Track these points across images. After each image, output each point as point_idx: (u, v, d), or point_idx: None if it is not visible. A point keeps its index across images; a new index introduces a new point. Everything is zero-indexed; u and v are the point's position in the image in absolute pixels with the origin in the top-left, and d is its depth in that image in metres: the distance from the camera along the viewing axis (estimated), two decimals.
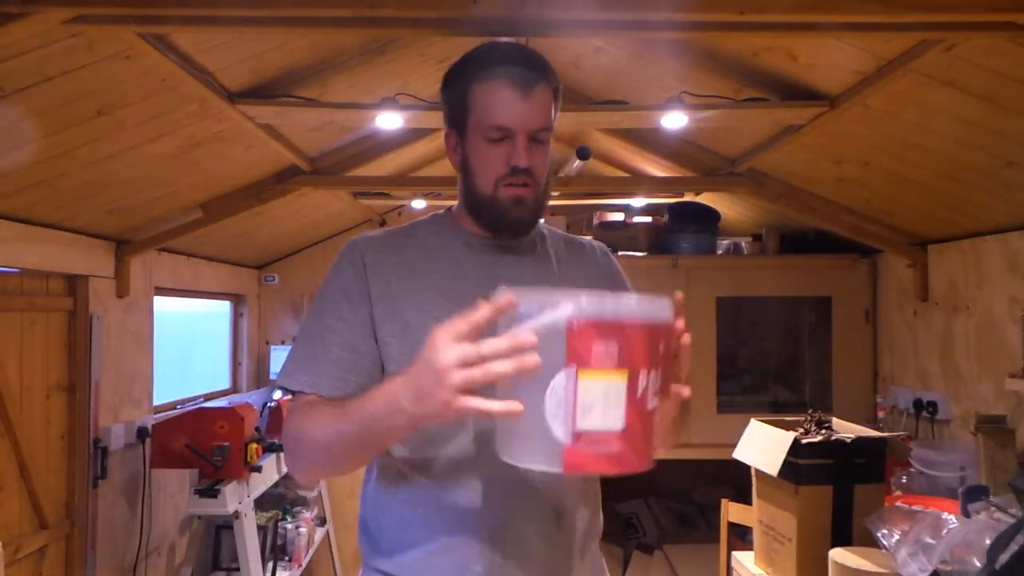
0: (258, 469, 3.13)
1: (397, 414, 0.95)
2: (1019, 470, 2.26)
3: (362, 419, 1.01)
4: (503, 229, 1.21)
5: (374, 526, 1.22)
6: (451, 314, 1.15)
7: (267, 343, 4.54)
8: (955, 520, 1.70)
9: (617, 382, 0.89)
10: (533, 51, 1.22)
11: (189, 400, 3.69)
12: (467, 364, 0.86)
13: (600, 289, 1.30)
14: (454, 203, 1.30)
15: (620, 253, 3.44)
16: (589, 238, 1.41)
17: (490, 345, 0.86)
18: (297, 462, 1.17)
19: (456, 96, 1.20)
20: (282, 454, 1.19)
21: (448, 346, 0.88)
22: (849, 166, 2.63)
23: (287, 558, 3.68)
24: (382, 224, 4.57)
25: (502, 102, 1.14)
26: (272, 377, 4.40)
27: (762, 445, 2.13)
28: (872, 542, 1.83)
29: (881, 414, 3.22)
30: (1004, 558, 1.47)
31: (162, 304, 3.35)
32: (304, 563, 3.77)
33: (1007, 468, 2.28)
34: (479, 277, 1.21)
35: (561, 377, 0.87)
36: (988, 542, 1.54)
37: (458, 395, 0.87)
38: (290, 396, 1.20)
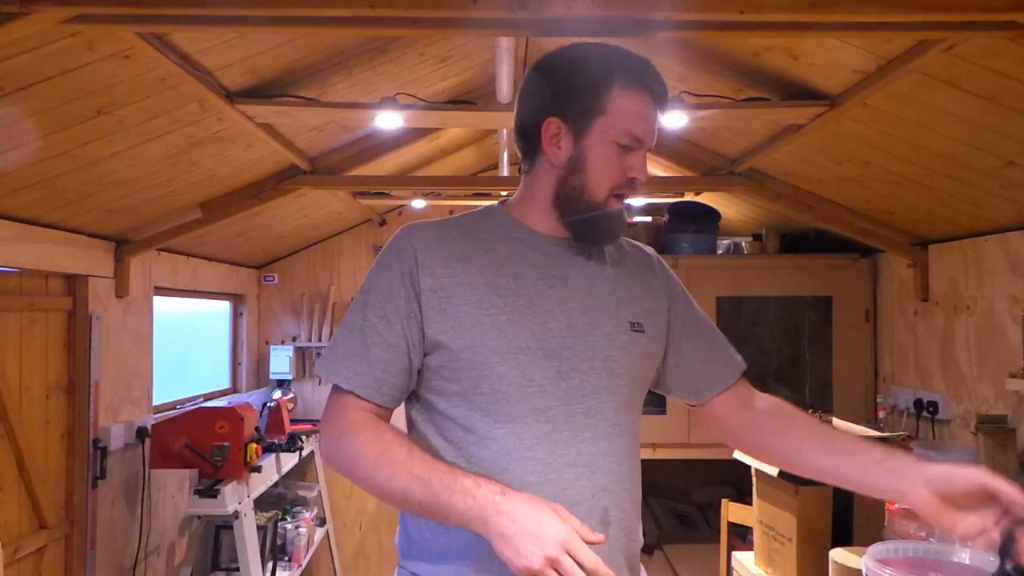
0: (258, 469, 3.12)
1: (480, 525, 0.99)
2: (1020, 470, 2.26)
3: (442, 503, 1.02)
4: (599, 238, 1.22)
5: (414, 526, 1.19)
6: (505, 312, 1.14)
7: (267, 343, 4.53)
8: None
9: None
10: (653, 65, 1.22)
11: (189, 400, 3.68)
12: (553, 565, 0.94)
13: (650, 293, 1.29)
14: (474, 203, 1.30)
15: None
16: (647, 246, 1.38)
17: (568, 566, 0.94)
18: (338, 466, 1.14)
19: (589, 89, 1.15)
20: (317, 442, 1.18)
21: (560, 536, 0.95)
22: (849, 166, 2.63)
23: (287, 558, 3.68)
24: (382, 224, 4.57)
25: (646, 115, 1.16)
26: (272, 377, 4.40)
27: None
28: (872, 542, 1.83)
29: (882, 414, 3.22)
30: None
31: (161, 304, 3.35)
32: (304, 563, 3.77)
33: (1008, 468, 2.28)
34: (536, 276, 1.18)
35: None
36: None
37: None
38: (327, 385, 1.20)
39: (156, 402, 3.29)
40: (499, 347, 1.12)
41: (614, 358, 1.17)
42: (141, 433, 3.02)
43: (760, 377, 3.81)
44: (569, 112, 1.16)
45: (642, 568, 1.30)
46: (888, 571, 1.52)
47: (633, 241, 1.37)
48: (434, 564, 1.15)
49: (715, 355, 1.32)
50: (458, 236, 1.20)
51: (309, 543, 3.86)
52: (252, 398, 3.96)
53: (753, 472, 2.19)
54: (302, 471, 4.30)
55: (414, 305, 1.14)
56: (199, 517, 3.05)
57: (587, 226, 1.19)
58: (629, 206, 1.20)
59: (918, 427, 3.00)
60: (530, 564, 0.94)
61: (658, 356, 1.28)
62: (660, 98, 1.17)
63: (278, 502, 3.92)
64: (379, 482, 1.08)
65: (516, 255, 1.19)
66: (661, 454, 3.40)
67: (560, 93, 1.17)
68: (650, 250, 1.37)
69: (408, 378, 1.16)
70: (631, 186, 1.17)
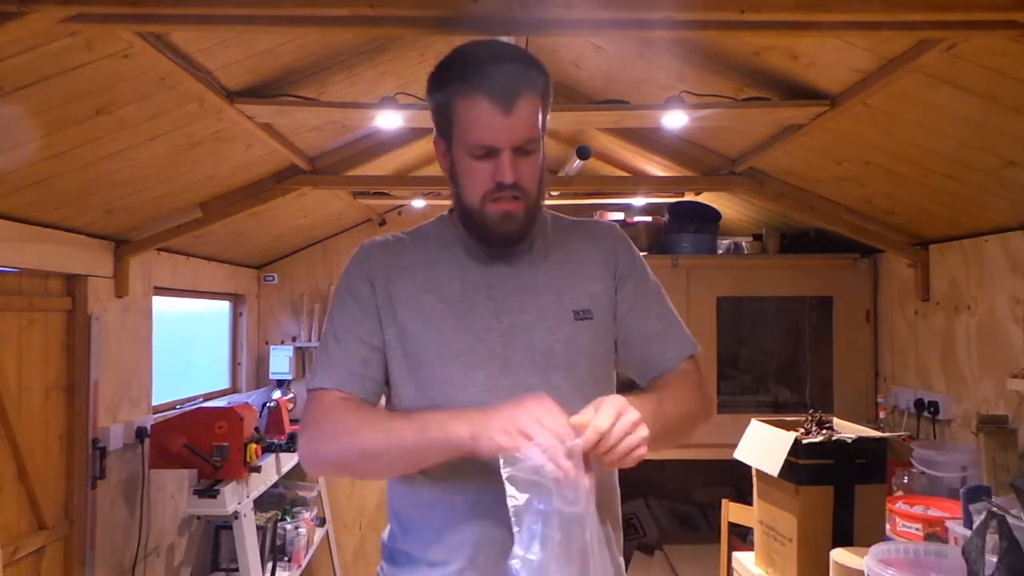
0: (257, 469, 3.12)
1: (463, 430, 1.00)
2: (1020, 470, 2.26)
3: (426, 424, 1.04)
4: (493, 242, 1.20)
5: (391, 540, 1.24)
6: (448, 317, 1.18)
7: (266, 343, 4.53)
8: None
9: None
10: (516, 54, 1.16)
11: (188, 400, 3.68)
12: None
13: (599, 274, 1.28)
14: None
15: None
16: (600, 220, 1.38)
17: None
18: (323, 456, 1.16)
19: (440, 105, 1.16)
20: (299, 444, 1.18)
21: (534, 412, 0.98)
22: (850, 165, 2.63)
23: (286, 558, 3.68)
24: (382, 224, 4.57)
25: (483, 120, 1.10)
26: (271, 377, 4.40)
27: (763, 445, 2.12)
28: (873, 542, 1.83)
29: (882, 414, 3.21)
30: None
31: (161, 304, 3.35)
32: (303, 563, 3.77)
33: (1008, 468, 2.28)
34: (477, 279, 1.21)
35: None
36: None
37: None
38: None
39: (155, 402, 3.28)
40: (441, 351, 1.16)
41: (556, 351, 1.18)
42: (140, 433, 3.01)
43: (760, 377, 3.82)
44: (439, 128, 1.19)
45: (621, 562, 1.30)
46: (890, 571, 1.52)
47: (589, 220, 1.37)
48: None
49: (660, 336, 1.27)
50: (409, 247, 1.26)
51: (309, 543, 3.86)
52: (252, 398, 3.96)
53: (754, 472, 2.19)
54: (302, 471, 4.29)
55: (376, 311, 1.20)
56: (199, 517, 3.04)
57: (480, 235, 1.20)
58: (511, 213, 1.15)
59: (919, 427, 3.00)
60: (497, 441, 0.96)
61: (612, 337, 1.27)
62: (502, 96, 1.08)
63: (278, 502, 3.92)
64: (361, 437, 1.10)
65: (459, 261, 1.23)
66: (661, 454, 3.38)
67: (433, 110, 1.19)
68: (608, 226, 1.35)
69: (384, 375, 1.20)
70: (503, 189, 1.13)
